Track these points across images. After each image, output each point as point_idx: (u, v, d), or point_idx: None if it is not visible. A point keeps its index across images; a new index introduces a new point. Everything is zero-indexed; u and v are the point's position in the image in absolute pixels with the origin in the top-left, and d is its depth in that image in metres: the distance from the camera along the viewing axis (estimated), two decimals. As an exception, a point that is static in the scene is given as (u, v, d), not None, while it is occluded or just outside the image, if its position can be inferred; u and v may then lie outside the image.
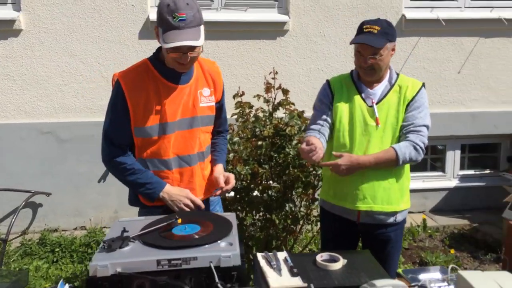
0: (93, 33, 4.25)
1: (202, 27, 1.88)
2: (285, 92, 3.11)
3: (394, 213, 2.23)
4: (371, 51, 2.11)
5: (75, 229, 4.43)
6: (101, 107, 4.37)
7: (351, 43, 2.19)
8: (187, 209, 2.00)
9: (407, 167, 2.27)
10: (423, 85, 2.23)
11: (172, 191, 2.02)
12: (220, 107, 2.19)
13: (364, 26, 2.16)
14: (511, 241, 2.31)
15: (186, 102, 2.01)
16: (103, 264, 1.43)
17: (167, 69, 1.97)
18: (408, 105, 2.18)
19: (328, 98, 2.28)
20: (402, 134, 2.18)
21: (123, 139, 2.00)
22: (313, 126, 2.23)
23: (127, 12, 4.26)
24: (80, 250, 3.85)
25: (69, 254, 3.81)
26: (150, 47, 4.31)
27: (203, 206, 2.05)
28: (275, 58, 4.50)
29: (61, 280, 1.61)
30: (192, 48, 1.86)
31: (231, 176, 2.12)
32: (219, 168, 2.20)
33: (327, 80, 2.34)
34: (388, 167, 2.15)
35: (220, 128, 2.29)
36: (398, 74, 2.26)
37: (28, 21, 4.17)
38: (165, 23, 1.82)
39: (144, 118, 1.95)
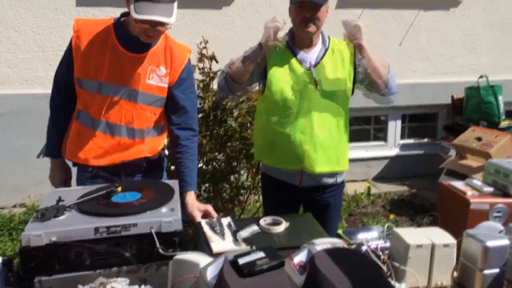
0: (26, -1, 3.99)
1: (175, 4, 1.82)
2: (212, 59, 3.00)
3: (334, 174, 2.27)
4: (312, 7, 2.08)
5: (14, 206, 4.23)
6: (38, 79, 4.14)
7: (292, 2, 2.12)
8: None
9: (345, 131, 2.28)
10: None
11: (52, 170, 2.13)
12: (173, 95, 2.02)
13: None
14: (442, 200, 2.45)
15: (131, 72, 1.93)
16: (37, 233, 1.36)
17: (125, 34, 1.92)
18: (354, 61, 2.22)
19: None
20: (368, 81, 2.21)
21: (66, 83, 2.00)
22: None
23: (63, -23, 4.01)
24: (19, 228, 3.67)
25: (7, 232, 3.64)
26: (88, 14, 4.10)
27: None
28: (221, 28, 4.43)
29: (-7, 253, 1.53)
30: (163, 23, 1.80)
31: (209, 208, 1.89)
32: (190, 199, 1.95)
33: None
34: (379, 75, 2.29)
35: (180, 122, 2.04)
36: (329, 37, 2.26)
37: (-49, -16, 3.84)
38: None
39: (83, 70, 1.92)
